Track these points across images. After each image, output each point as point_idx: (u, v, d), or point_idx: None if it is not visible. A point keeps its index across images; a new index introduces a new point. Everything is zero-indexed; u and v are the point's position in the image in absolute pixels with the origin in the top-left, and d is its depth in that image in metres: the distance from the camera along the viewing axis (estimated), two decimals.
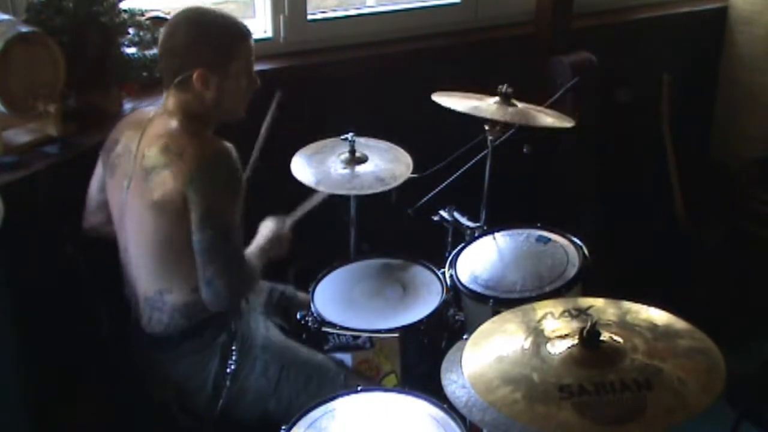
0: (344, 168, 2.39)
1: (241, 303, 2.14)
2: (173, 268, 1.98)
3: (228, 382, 2.05)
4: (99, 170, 2.12)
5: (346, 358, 2.13)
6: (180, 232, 1.92)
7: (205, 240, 1.91)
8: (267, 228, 2.23)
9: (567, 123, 2.33)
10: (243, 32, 2.00)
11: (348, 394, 1.84)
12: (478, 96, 2.40)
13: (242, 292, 2.07)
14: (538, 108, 2.43)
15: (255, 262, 2.10)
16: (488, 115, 2.25)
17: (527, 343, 1.46)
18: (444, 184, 2.59)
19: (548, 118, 2.34)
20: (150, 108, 2.10)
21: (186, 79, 1.94)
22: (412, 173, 2.44)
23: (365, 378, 2.12)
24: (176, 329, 2.02)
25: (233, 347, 2.06)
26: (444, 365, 1.72)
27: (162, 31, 1.99)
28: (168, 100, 1.99)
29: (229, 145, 1.95)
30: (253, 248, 2.14)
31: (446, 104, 2.31)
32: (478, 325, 1.59)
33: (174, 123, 1.95)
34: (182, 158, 1.89)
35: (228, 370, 2.05)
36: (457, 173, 2.58)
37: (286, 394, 2.06)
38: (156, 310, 2.03)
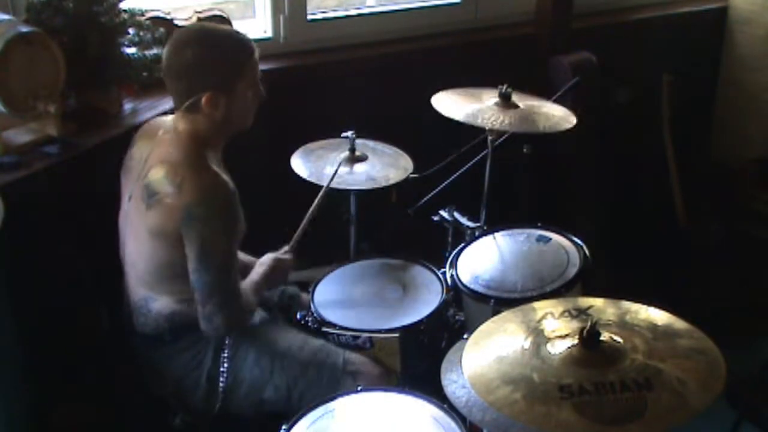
0: (343, 165, 2.40)
1: None
2: (162, 282, 2.00)
3: (223, 376, 2.05)
4: None
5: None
6: (173, 258, 1.95)
7: (203, 278, 1.92)
8: (263, 265, 2.19)
9: (568, 121, 2.32)
10: (249, 50, 1.99)
11: (348, 394, 1.84)
12: (479, 93, 2.41)
13: (239, 325, 2.05)
14: (541, 103, 2.43)
15: (250, 296, 2.09)
16: (487, 124, 2.25)
17: (527, 343, 1.46)
18: (444, 184, 2.59)
19: (549, 117, 2.33)
20: (165, 118, 2.10)
21: (195, 102, 1.94)
22: (412, 173, 2.44)
23: (364, 360, 2.11)
24: (164, 330, 2.04)
25: (226, 341, 2.07)
26: (444, 365, 1.72)
27: (166, 49, 1.97)
28: (177, 120, 2.00)
29: (226, 179, 1.95)
30: (247, 283, 2.12)
31: (445, 111, 2.30)
32: (479, 325, 1.59)
33: (180, 147, 1.95)
34: (180, 191, 1.89)
35: (223, 365, 2.05)
36: (457, 173, 2.58)
37: (283, 382, 2.06)
38: (141, 315, 2.05)
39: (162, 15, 2.51)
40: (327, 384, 2.01)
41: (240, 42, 1.99)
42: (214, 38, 1.97)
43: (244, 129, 2.06)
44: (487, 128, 2.30)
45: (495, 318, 1.59)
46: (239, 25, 2.66)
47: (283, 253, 2.23)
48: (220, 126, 1.99)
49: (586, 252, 2.23)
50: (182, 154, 1.94)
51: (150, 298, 2.02)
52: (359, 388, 1.87)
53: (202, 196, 1.89)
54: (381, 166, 2.43)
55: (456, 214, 2.48)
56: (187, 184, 1.90)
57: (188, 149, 1.95)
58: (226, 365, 2.06)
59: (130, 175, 2.04)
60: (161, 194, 1.91)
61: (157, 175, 1.93)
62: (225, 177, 1.96)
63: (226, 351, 2.06)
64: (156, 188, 1.92)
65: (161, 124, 2.07)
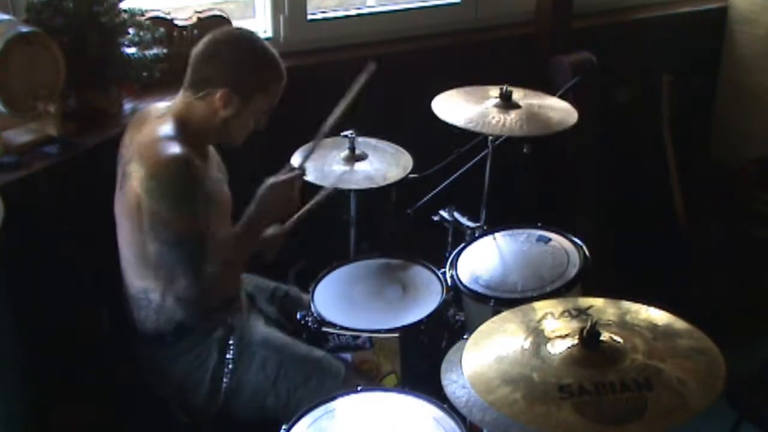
0: (342, 164, 2.39)
1: (237, 299, 2.13)
2: (152, 269, 1.98)
3: (227, 378, 2.05)
4: None
5: (346, 358, 2.13)
6: (146, 241, 1.93)
7: (159, 251, 1.90)
8: (254, 201, 2.09)
9: (571, 117, 2.33)
10: (280, 75, 2.03)
11: (348, 394, 1.84)
12: (480, 92, 2.41)
13: (206, 297, 2.00)
14: (543, 100, 2.43)
15: (228, 249, 2.02)
16: (487, 130, 2.27)
17: (527, 343, 1.46)
18: (444, 184, 2.59)
19: (551, 116, 2.34)
20: (158, 104, 2.09)
21: (210, 92, 1.94)
22: (411, 173, 2.44)
23: (365, 375, 2.12)
24: (167, 326, 2.03)
25: (230, 342, 2.06)
26: (444, 365, 1.72)
27: (211, 35, 1.99)
28: (178, 101, 1.99)
29: (186, 152, 1.88)
30: (240, 223, 2.06)
31: (445, 116, 2.32)
32: (479, 325, 1.59)
33: (162, 126, 1.94)
34: (142, 164, 1.87)
35: (227, 366, 2.05)
36: (457, 173, 2.57)
37: (285, 390, 2.06)
38: (143, 309, 2.04)
39: (162, 15, 2.52)
40: (326, 395, 2.01)
41: (277, 65, 2.03)
42: (259, 48, 2.01)
43: (233, 144, 2.07)
44: (489, 136, 2.31)
45: (495, 318, 1.59)
46: (239, 25, 2.66)
47: (286, 172, 2.15)
48: (217, 127, 1.99)
49: (586, 252, 2.23)
50: (160, 132, 1.92)
51: (149, 289, 2.01)
52: (359, 388, 1.87)
53: (157, 170, 1.85)
54: (381, 165, 2.43)
55: (456, 214, 2.49)
56: (146, 158, 1.88)
57: (175, 126, 1.94)
58: (230, 366, 2.06)
59: (121, 163, 2.02)
60: (132, 172, 1.89)
61: (132, 154, 1.92)
62: (183, 149, 1.88)
63: (231, 352, 2.06)
64: (131, 168, 1.90)
65: (153, 111, 2.05)
